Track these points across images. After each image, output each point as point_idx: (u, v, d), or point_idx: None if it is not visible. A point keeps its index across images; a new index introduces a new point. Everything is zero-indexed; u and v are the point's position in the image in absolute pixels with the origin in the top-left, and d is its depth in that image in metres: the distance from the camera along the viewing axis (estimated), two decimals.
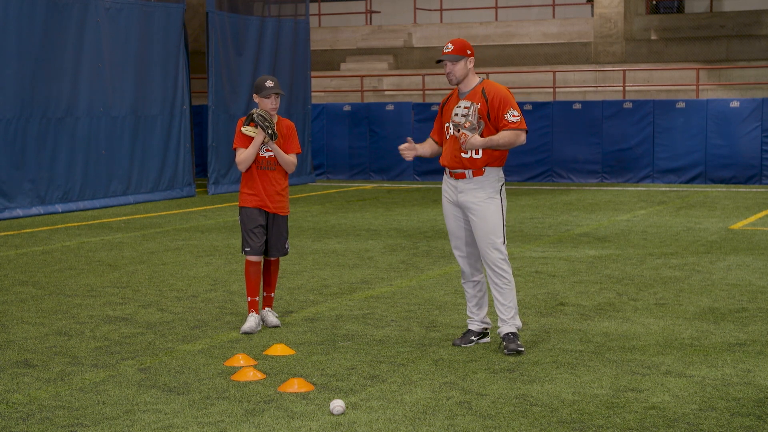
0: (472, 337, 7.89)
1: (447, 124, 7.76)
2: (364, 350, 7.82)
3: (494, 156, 7.67)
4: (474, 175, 7.67)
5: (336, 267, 11.94)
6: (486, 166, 7.66)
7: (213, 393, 6.67)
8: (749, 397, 6.48)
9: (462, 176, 7.69)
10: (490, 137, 7.58)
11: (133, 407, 6.37)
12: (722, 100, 23.89)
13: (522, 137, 7.66)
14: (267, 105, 8.49)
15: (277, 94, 8.46)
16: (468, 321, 7.97)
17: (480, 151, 7.64)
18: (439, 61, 7.72)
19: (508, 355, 7.57)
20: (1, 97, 17.84)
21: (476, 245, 7.81)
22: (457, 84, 7.72)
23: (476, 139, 7.54)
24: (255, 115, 8.42)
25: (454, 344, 7.87)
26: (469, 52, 7.69)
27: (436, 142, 7.97)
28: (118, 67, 20.20)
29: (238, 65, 23.06)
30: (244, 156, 8.50)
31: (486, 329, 7.97)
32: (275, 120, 8.56)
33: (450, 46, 7.68)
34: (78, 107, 19.30)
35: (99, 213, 18.78)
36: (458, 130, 7.58)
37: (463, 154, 7.65)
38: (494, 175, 7.70)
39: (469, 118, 7.55)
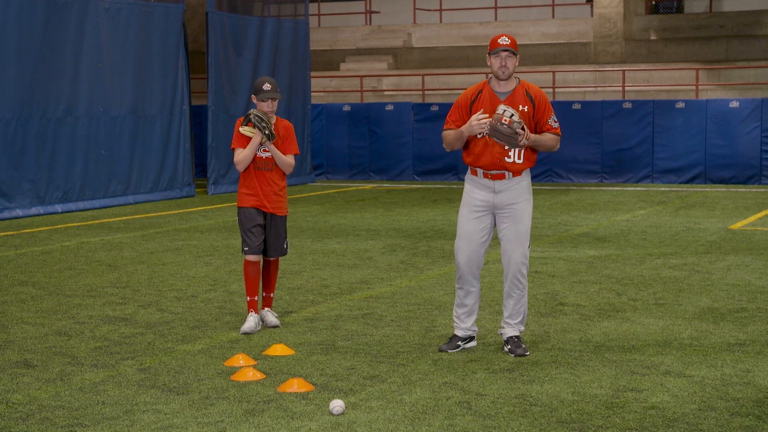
0: (459, 342, 7.74)
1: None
2: (363, 350, 7.82)
3: (533, 160, 7.61)
4: (514, 176, 7.58)
5: (335, 267, 11.94)
6: (525, 169, 7.62)
7: (213, 393, 6.68)
8: (748, 397, 6.48)
9: (501, 177, 7.55)
10: (538, 136, 7.51)
11: (133, 407, 6.37)
12: (722, 100, 23.89)
13: (559, 144, 7.66)
14: (263, 108, 8.52)
15: (273, 98, 8.48)
16: (455, 326, 7.81)
17: (522, 156, 7.52)
18: (492, 53, 7.48)
19: (516, 357, 7.56)
20: (1, 96, 17.83)
21: (484, 251, 7.68)
22: (507, 78, 7.53)
23: (530, 135, 7.43)
24: (252, 116, 8.43)
25: (440, 350, 7.71)
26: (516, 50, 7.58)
27: None
28: (117, 67, 20.20)
29: (237, 65, 23.07)
30: (241, 156, 8.50)
31: (472, 335, 7.84)
32: (273, 120, 8.58)
33: (506, 39, 7.50)
34: (77, 107, 19.30)
35: (98, 213, 18.78)
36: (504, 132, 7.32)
37: (506, 158, 7.49)
38: (528, 177, 7.67)
39: (521, 128, 7.37)
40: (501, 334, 7.78)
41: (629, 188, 23.07)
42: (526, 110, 7.53)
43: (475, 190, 7.66)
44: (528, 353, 7.59)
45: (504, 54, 7.48)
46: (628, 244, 13.56)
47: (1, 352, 7.86)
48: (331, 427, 5.97)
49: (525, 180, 7.64)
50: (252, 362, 7.39)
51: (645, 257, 12.42)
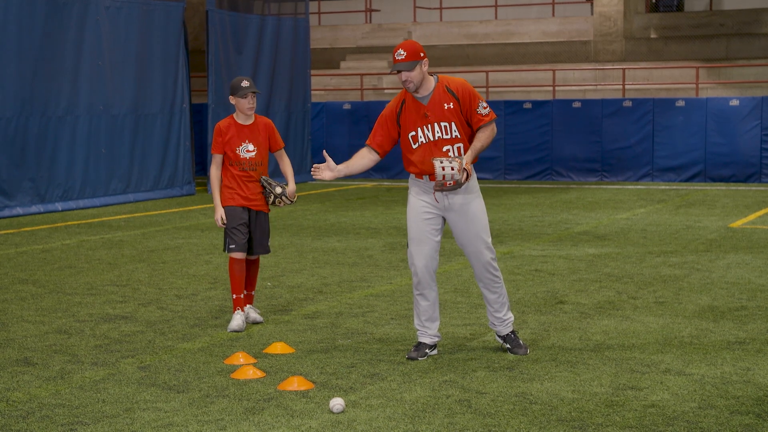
0: (426, 350, 7.57)
1: (412, 133, 7.41)
2: (363, 348, 7.82)
3: (477, 157, 7.54)
4: None
5: (336, 265, 11.94)
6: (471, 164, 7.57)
7: (213, 391, 6.68)
8: (748, 396, 6.48)
9: None
10: (474, 149, 7.34)
11: (133, 405, 6.38)
12: (722, 99, 23.89)
13: (495, 128, 7.45)
14: (244, 105, 8.46)
15: (254, 92, 8.44)
16: (419, 334, 7.61)
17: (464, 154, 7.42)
18: (397, 71, 7.27)
19: (516, 355, 7.54)
20: (2, 95, 17.84)
21: (437, 252, 7.53)
22: (415, 90, 7.34)
23: (467, 161, 7.28)
24: (262, 180, 8.61)
25: (408, 358, 7.49)
26: (422, 54, 7.30)
27: (377, 152, 7.58)
28: (118, 66, 20.20)
29: (238, 64, 23.07)
30: (211, 179, 8.71)
31: (436, 342, 7.67)
32: (253, 120, 8.58)
33: (402, 52, 7.25)
34: (78, 106, 19.31)
35: (99, 211, 18.79)
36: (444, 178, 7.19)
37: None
38: (474, 172, 7.58)
39: (461, 173, 7.20)
40: (495, 331, 7.74)
41: (629, 186, 23.07)
42: (452, 107, 7.34)
43: (424, 194, 7.49)
44: (528, 352, 7.60)
45: (401, 72, 7.25)
46: (628, 243, 13.57)
47: (1, 350, 7.87)
48: (331, 425, 5.97)
49: (473, 177, 7.49)
50: (252, 360, 7.39)
51: (645, 255, 12.42)
